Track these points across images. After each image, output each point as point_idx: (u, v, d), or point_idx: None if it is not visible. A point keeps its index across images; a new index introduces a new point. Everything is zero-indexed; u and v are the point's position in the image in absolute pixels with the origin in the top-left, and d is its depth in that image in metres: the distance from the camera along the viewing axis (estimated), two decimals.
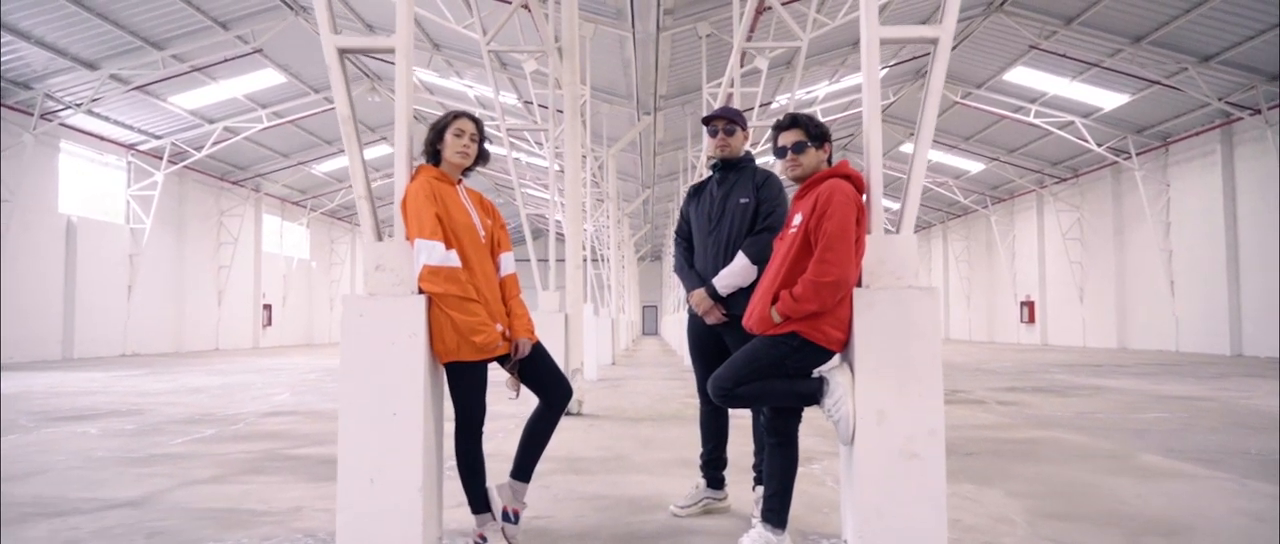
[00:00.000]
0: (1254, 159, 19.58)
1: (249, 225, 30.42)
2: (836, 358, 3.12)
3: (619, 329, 21.70)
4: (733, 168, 3.71)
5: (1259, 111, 18.46)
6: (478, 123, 3.26)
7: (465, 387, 3.12)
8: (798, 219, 3.03)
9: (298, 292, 35.07)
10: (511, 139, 22.88)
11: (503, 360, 3.19)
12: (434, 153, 3.23)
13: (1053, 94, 21.29)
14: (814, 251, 2.91)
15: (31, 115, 18.86)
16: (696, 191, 3.83)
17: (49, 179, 20.40)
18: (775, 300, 2.98)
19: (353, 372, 3.02)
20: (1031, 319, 31.10)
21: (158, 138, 23.20)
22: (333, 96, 3.24)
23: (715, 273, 3.59)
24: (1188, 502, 4.06)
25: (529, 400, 3.31)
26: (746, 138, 3.75)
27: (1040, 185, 29.53)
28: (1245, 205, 19.98)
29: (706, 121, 3.71)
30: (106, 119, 21.38)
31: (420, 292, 3.06)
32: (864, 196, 3.03)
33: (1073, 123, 22.22)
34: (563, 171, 8.70)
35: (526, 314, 3.27)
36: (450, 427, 3.22)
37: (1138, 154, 23.08)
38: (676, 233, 3.90)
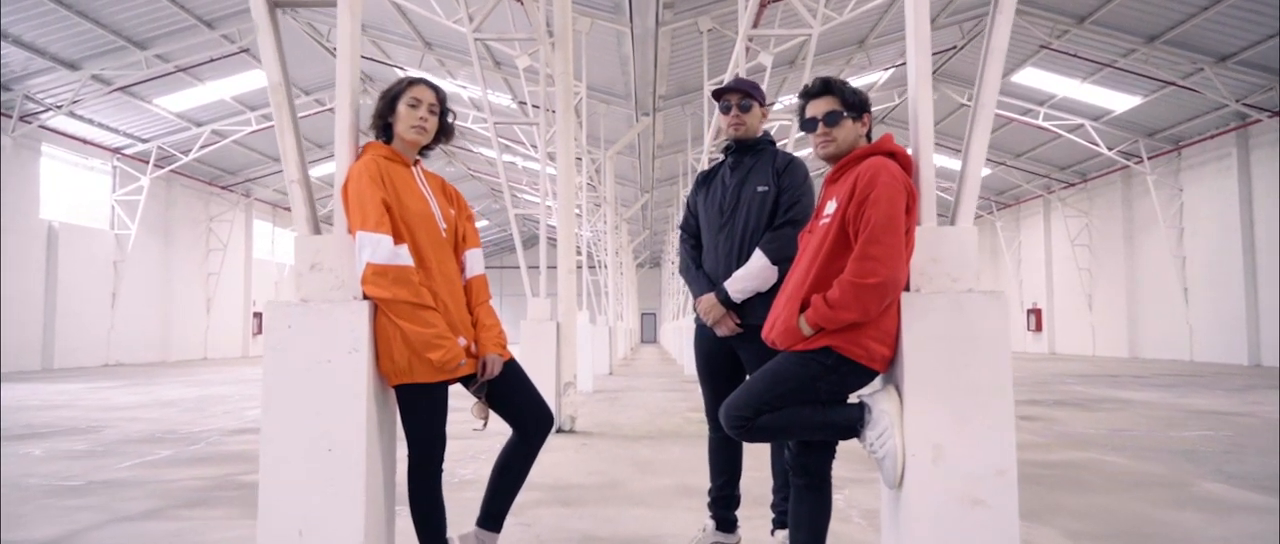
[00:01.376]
0: (1271, 162, 19.02)
1: (239, 231, 29.81)
2: (879, 379, 2.53)
3: (617, 337, 21.10)
4: (748, 151, 3.12)
5: (1277, 114, 17.91)
6: (437, 90, 2.67)
7: (420, 414, 2.52)
8: (831, 207, 2.44)
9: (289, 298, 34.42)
10: (502, 140, 22.33)
11: (468, 381, 2.60)
12: (385, 127, 2.64)
13: (1062, 96, 20.74)
14: (853, 246, 2.32)
15: (10, 117, 18.29)
16: (705, 179, 3.24)
17: (29, 183, 19.79)
18: (804, 307, 2.39)
19: (277, 397, 2.42)
20: (1038, 327, 30.51)
21: (143, 141, 22.62)
22: (262, 59, 2.64)
23: (727, 275, 3.00)
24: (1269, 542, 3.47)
25: (500, 431, 2.72)
26: (765, 115, 3.16)
27: (1047, 190, 28.98)
28: (1262, 210, 19.41)
29: (718, 95, 3.12)
30: (90, 122, 20.80)
31: (365, 297, 2.47)
32: (912, 179, 2.44)
33: (1083, 126, 21.66)
34: (556, 169, 8.12)
35: (497, 325, 2.67)
36: (403, 463, 2.62)
37: (1149, 158, 22.52)
38: (681, 228, 3.29)
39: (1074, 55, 18.38)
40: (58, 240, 20.50)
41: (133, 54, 17.52)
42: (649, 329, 57.44)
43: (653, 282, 55.90)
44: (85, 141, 21.46)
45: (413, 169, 2.64)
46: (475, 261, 2.73)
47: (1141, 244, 24.65)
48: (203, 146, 23.04)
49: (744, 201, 3.02)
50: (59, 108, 18.83)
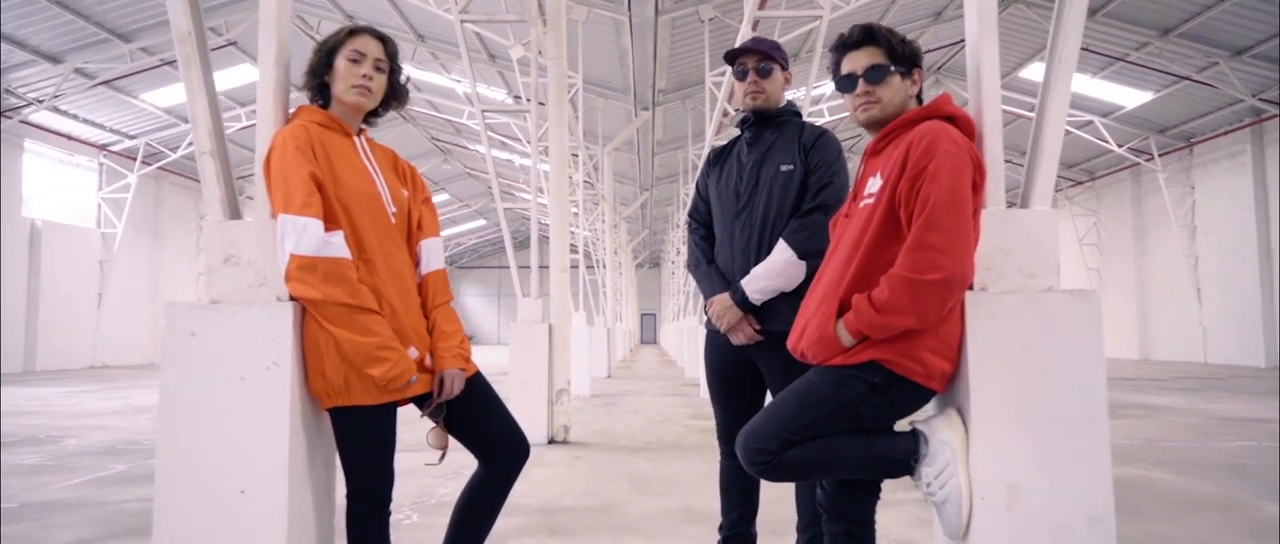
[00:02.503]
0: None
1: None
2: (934, 402, 2.02)
3: (615, 338, 20.59)
4: (769, 123, 2.61)
5: None
6: (386, 42, 2.16)
7: (360, 444, 2.02)
8: (874, 184, 1.94)
9: None
10: (498, 135, 21.82)
11: (422, 402, 2.10)
12: (320, 88, 2.14)
13: (1072, 92, 20.20)
14: (905, 233, 1.82)
15: None
16: (718, 158, 2.73)
17: (11, 181, 19.26)
18: (842, 311, 1.89)
19: (176, 425, 1.92)
20: None
21: (131, 137, 22.10)
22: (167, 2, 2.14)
23: (745, 271, 2.50)
24: None
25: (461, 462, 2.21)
26: (788, 81, 2.65)
27: (1054, 188, 28.43)
28: (1278, 208, 18.91)
29: (732, 58, 2.61)
30: (74, 117, 20.27)
31: (291, 298, 1.97)
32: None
33: (1091, 122, 21.15)
34: (547, 158, 7.62)
35: (459, 332, 2.17)
36: (343, 504, 2.11)
37: (1161, 155, 22.02)
38: (690, 215, 2.79)
39: (1085, 49, 17.83)
40: (41, 239, 19.97)
41: (116, 47, 17.00)
42: (649, 329, 56.93)
43: (652, 281, 55.39)
44: (70, 138, 20.94)
45: (355, 140, 2.13)
46: (433, 254, 2.22)
47: (1152, 243, 24.17)
48: (191, 143, 22.49)
49: (764, 183, 2.52)
50: (41, 102, 18.31)
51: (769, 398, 2.56)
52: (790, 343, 2.02)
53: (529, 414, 6.66)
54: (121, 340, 23.09)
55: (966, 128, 1.91)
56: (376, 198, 2.07)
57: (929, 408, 2.01)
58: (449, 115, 24.06)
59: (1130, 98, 19.98)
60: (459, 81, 20.29)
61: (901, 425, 1.96)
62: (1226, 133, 20.22)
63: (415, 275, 2.17)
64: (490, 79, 19.04)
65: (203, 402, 1.91)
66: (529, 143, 8.23)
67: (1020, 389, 1.86)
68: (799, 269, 2.40)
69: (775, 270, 2.40)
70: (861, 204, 1.96)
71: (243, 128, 22.22)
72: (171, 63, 18.36)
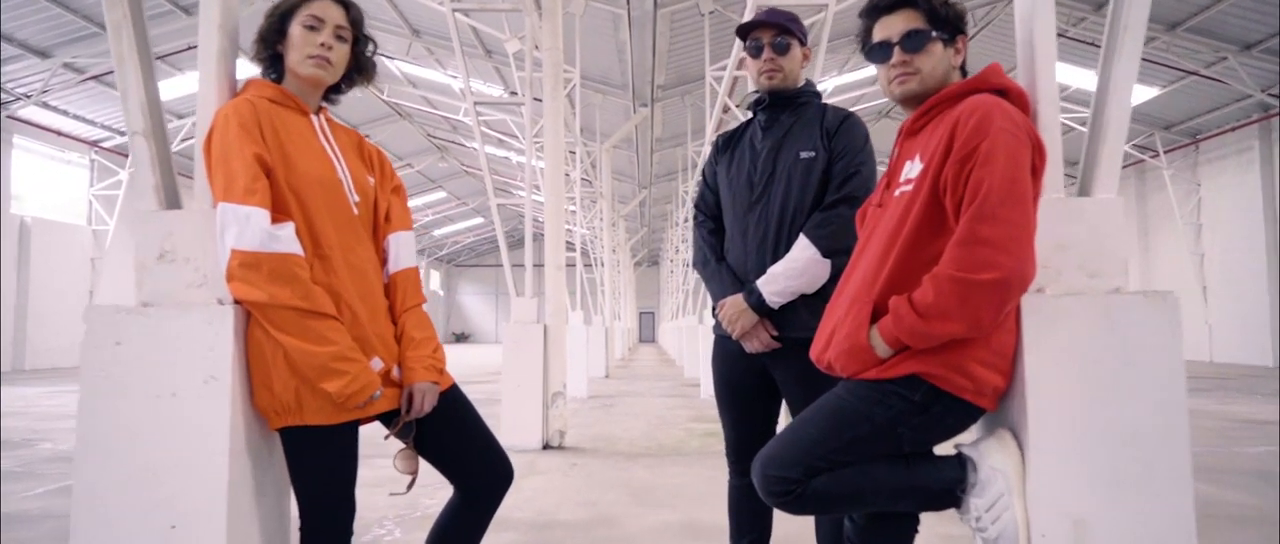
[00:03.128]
0: None
1: None
2: (980, 423, 1.75)
3: (613, 338, 20.30)
4: (786, 105, 2.33)
5: None
6: (349, 7, 1.88)
7: (314, 470, 1.74)
8: (912, 168, 1.66)
9: None
10: (496, 133, 21.53)
11: (388, 420, 1.82)
12: (273, 59, 1.86)
13: (1075, 88, 19.93)
14: (952, 224, 1.55)
15: None
16: (727, 144, 2.44)
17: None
18: (876, 316, 1.61)
19: (97, 447, 1.64)
20: None
21: (122, 134, 21.76)
22: None
23: (760, 270, 2.22)
24: None
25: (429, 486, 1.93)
26: (807, 57, 2.37)
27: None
28: None
29: (744, 32, 2.33)
30: (64, 113, 19.96)
31: (235, 301, 1.69)
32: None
33: None
34: (543, 154, 7.36)
35: (431, 339, 1.89)
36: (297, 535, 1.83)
37: (1166, 151, 21.77)
38: (696, 207, 2.51)
39: (1091, 43, 17.57)
40: (31, 236, 19.67)
41: (106, 41, 16.64)
42: (647, 328, 56.65)
43: (651, 279, 55.10)
44: (60, 134, 20.63)
45: (312, 119, 1.85)
46: (403, 250, 1.94)
47: (1156, 241, 23.96)
48: (185, 140, 22.16)
49: (782, 172, 2.24)
50: (28, 97, 18.02)
51: (785, 411, 2.29)
52: (814, 353, 1.75)
53: (523, 418, 6.39)
54: None
55: (1021, 103, 1.64)
56: (336, 185, 1.80)
57: (975, 429, 1.73)
58: (445, 112, 23.77)
59: (1137, 93, 19.64)
60: (454, 77, 20.01)
61: (943, 448, 1.68)
62: (1233, 129, 19.97)
63: (382, 275, 1.90)
64: (486, 75, 18.75)
65: (127, 422, 1.63)
66: (524, 139, 7.97)
67: (1086, 407, 1.58)
68: (822, 268, 2.13)
69: (796, 270, 2.12)
70: (897, 192, 1.68)
71: None
72: (163, 57, 18.06)
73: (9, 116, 18.54)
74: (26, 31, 16.00)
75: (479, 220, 45.32)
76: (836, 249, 2.12)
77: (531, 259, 6.88)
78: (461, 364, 22.18)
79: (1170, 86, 18.80)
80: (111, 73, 17.63)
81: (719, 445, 6.60)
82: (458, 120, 24.02)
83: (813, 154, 2.21)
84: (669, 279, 36.01)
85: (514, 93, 18.57)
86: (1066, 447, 1.58)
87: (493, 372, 16.96)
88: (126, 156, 22.02)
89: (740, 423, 2.35)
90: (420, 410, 1.79)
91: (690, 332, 16.35)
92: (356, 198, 1.84)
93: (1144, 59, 16.26)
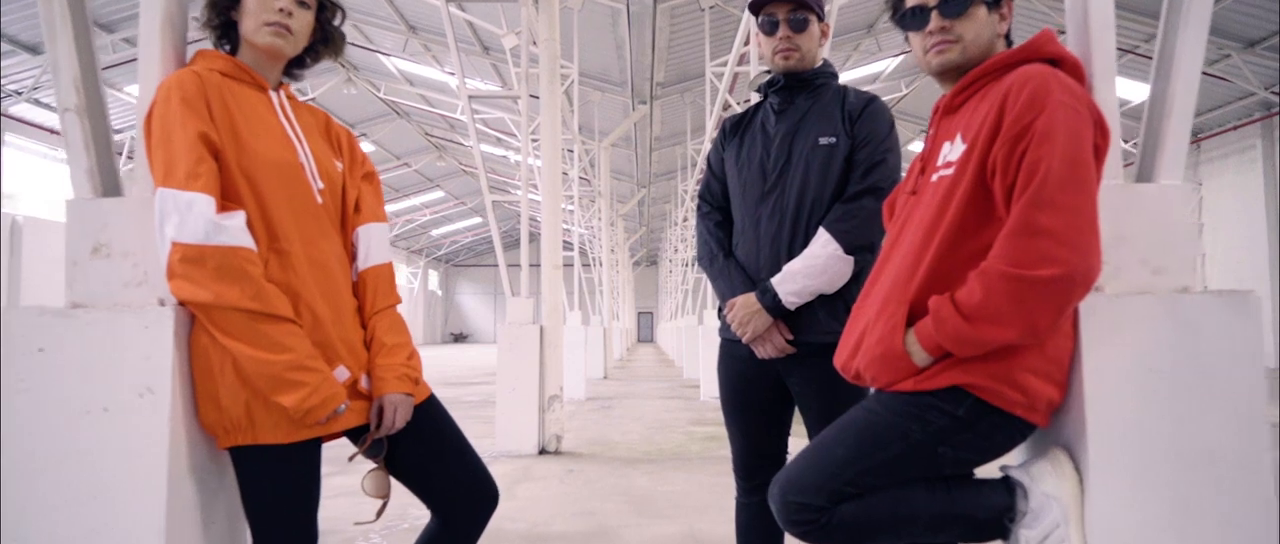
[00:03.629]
0: None
1: None
2: (1031, 440, 1.54)
3: (612, 338, 20.08)
4: (802, 87, 2.11)
5: None
6: None
7: (269, 495, 1.53)
8: (952, 150, 1.45)
9: None
10: (494, 131, 21.28)
11: (357, 436, 1.61)
12: (225, 27, 1.65)
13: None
14: (1002, 213, 1.34)
15: None
16: (736, 128, 2.22)
17: None
18: (912, 319, 1.40)
19: (19, 470, 1.43)
20: None
21: (117, 132, 21.54)
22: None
23: (774, 266, 2.01)
24: None
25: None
26: (825, 34, 2.15)
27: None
28: None
29: (757, 8, 2.11)
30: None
31: (180, 302, 1.48)
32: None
33: None
34: (538, 146, 7.14)
35: (406, 345, 1.68)
36: None
37: None
38: (700, 197, 2.29)
39: (1129, 51, 17.39)
40: (22, 236, 19.42)
41: (98, 38, 16.26)
42: (646, 328, 56.45)
43: (649, 279, 54.89)
44: (53, 131, 20.39)
45: (272, 95, 1.64)
46: (375, 244, 1.73)
47: None
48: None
49: (799, 159, 2.02)
50: (20, 94, 17.80)
51: (800, 421, 2.07)
52: (840, 360, 1.54)
53: (518, 422, 6.18)
54: None
55: (1077, 75, 1.43)
56: (296, 169, 1.58)
57: (1023, 448, 1.52)
58: (443, 110, 23.56)
59: (1137, 91, 19.49)
60: (452, 74, 19.78)
61: (987, 470, 1.48)
62: (1235, 127, 19.79)
63: (350, 272, 1.69)
64: (484, 73, 18.53)
65: (52, 441, 1.42)
66: (521, 135, 7.78)
67: (1153, 424, 1.38)
68: (845, 266, 1.92)
69: (816, 267, 1.91)
70: (934, 177, 1.48)
71: None
72: (104, 25, 17.82)
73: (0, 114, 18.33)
74: (16, 27, 15.78)
75: (477, 220, 45.12)
76: (860, 245, 1.92)
77: (527, 259, 6.67)
78: (459, 365, 21.97)
79: None
80: (106, 69, 17.42)
81: (720, 450, 6.39)
82: (455, 119, 23.80)
83: (833, 140, 2.00)
84: (667, 278, 35.79)
85: (512, 90, 18.36)
86: (1131, 469, 1.37)
87: (490, 372, 16.75)
88: (121, 155, 21.77)
89: (750, 435, 2.14)
90: (391, 426, 1.58)
91: (689, 332, 16.14)
92: (321, 184, 1.63)
93: (1140, 56, 16.10)
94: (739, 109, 10.48)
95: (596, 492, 4.90)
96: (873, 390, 1.48)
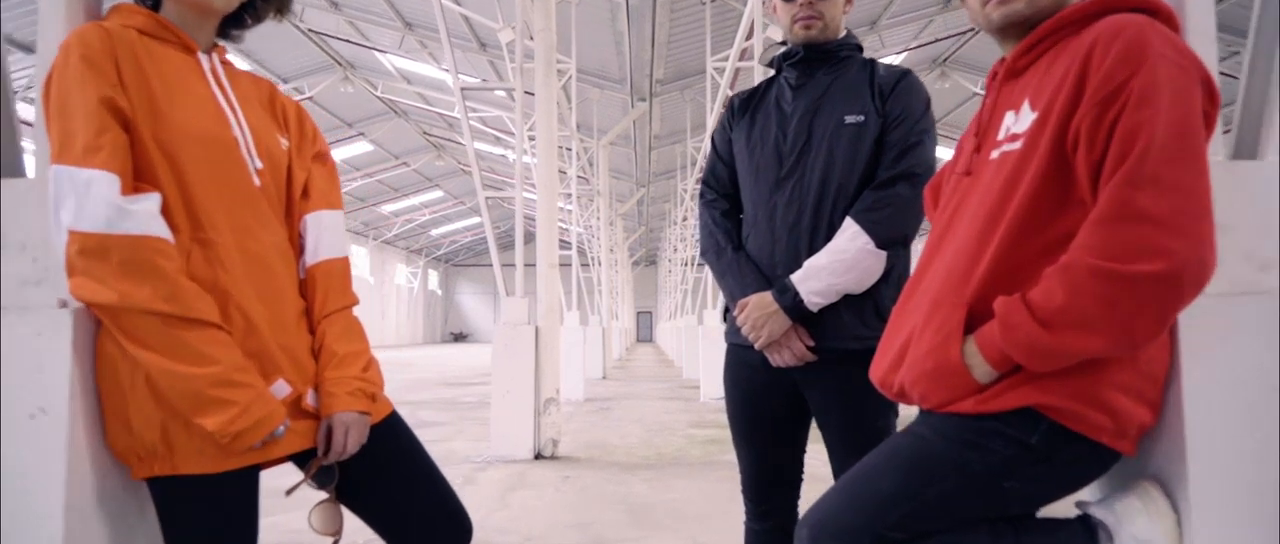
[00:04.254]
0: None
1: None
2: (1113, 470, 1.28)
3: (611, 338, 19.82)
4: (824, 60, 1.84)
5: None
6: None
7: (193, 534, 1.27)
8: (1019, 120, 1.20)
9: None
10: (485, 127, 21.02)
11: (303, 461, 1.36)
12: None
13: None
14: (1089, 196, 1.08)
15: None
16: (746, 106, 1.94)
17: None
18: (971, 324, 1.15)
19: None
20: None
21: None
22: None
23: (792, 261, 1.75)
24: None
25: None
26: (850, 4, 1.89)
27: None
28: None
29: None
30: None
31: (84, 304, 1.22)
32: None
33: None
34: (535, 140, 6.90)
35: (361, 354, 1.42)
36: None
37: None
38: (703, 182, 2.02)
39: None
40: None
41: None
42: (645, 328, 56.22)
43: (649, 279, 54.64)
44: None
45: (201, 58, 1.38)
46: (326, 235, 1.47)
47: None
48: None
49: (821, 140, 1.76)
50: (15, 94, 17.50)
51: (818, 436, 1.82)
52: (877, 374, 1.28)
53: (513, 426, 5.92)
54: None
55: (1173, 27, 1.17)
56: (227, 146, 1.33)
57: (1103, 481, 1.27)
58: (441, 109, 23.31)
59: None
60: (449, 71, 19.52)
61: (1060, 506, 1.22)
62: None
63: (295, 267, 1.43)
64: (481, 70, 18.27)
65: None
66: (516, 129, 7.54)
67: (1265, 452, 1.12)
68: (876, 262, 1.66)
69: (843, 263, 1.65)
70: (995, 154, 1.22)
71: None
72: None
73: None
74: (11, 25, 15.52)
75: (476, 220, 44.84)
76: (894, 238, 1.67)
77: (522, 256, 6.41)
78: (458, 365, 21.71)
79: None
80: None
81: (722, 455, 6.14)
82: (454, 117, 23.54)
83: (861, 118, 1.74)
84: (667, 278, 35.53)
85: (509, 87, 18.09)
86: (1238, 506, 1.12)
87: (489, 373, 16.51)
88: None
89: (761, 453, 1.88)
90: (341, 451, 1.32)
91: (689, 332, 15.89)
92: (259, 164, 1.37)
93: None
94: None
95: (593, 500, 4.65)
96: (920, 411, 1.23)
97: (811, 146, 1.76)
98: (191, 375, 1.17)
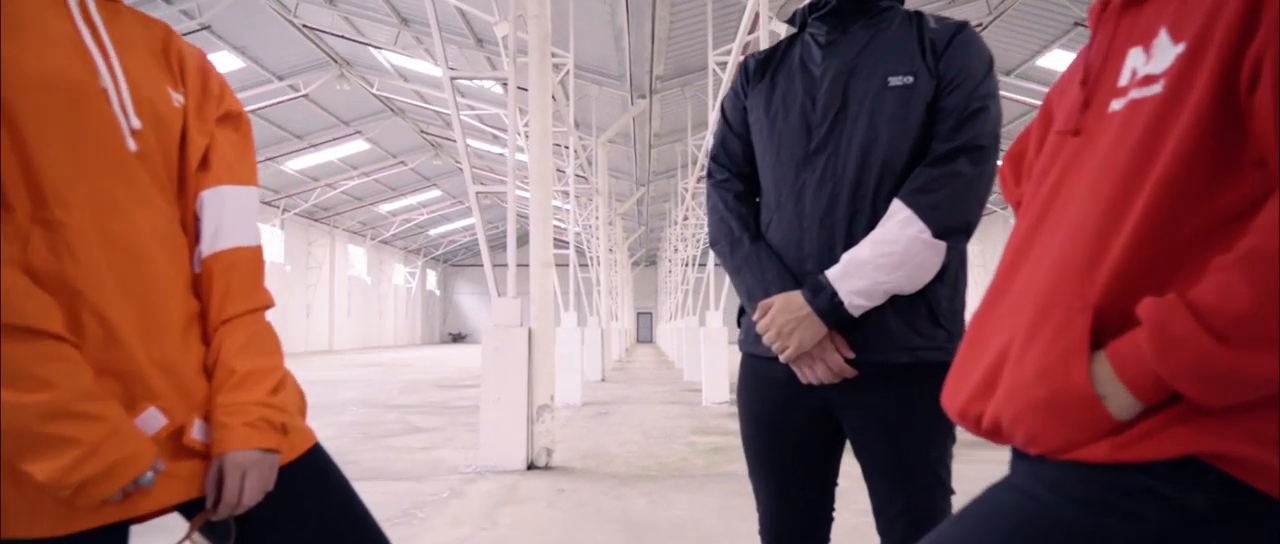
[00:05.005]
0: None
1: None
2: None
3: (610, 339, 19.47)
4: (860, 13, 1.50)
5: None
6: None
7: None
8: (1150, 59, 0.87)
9: None
10: (483, 125, 20.69)
11: (191, 511, 1.03)
12: None
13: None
14: (1275, 154, 0.75)
15: None
16: (763, 68, 1.60)
17: None
18: (1098, 338, 0.82)
19: None
20: None
21: None
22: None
23: (825, 256, 1.42)
24: None
25: None
26: None
27: None
28: None
29: None
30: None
31: None
32: None
33: None
34: (528, 135, 6.58)
35: (269, 372, 1.09)
36: None
37: None
38: (713, 160, 1.68)
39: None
40: None
41: None
42: (645, 328, 55.94)
43: (649, 280, 54.33)
44: None
45: None
46: (230, 215, 1.14)
47: None
48: None
49: (859, 106, 1.43)
50: None
51: (854, 465, 1.49)
52: (957, 404, 0.95)
53: (504, 435, 5.59)
54: None
55: None
56: (91, 97, 1.00)
57: None
58: (439, 107, 23.00)
59: None
60: (438, 60, 19.19)
61: None
62: None
63: (185, 258, 1.10)
64: (478, 66, 17.95)
65: None
66: (509, 118, 7.23)
67: None
68: (932, 255, 1.34)
69: (892, 256, 1.32)
70: (1118, 104, 0.89)
71: None
72: None
73: None
74: None
75: (471, 222, 44.55)
76: (954, 226, 1.35)
77: (514, 254, 6.08)
78: (454, 366, 21.38)
79: None
80: None
81: (727, 465, 5.81)
82: (451, 115, 23.25)
83: (910, 79, 1.41)
84: (667, 278, 35.23)
85: (503, 80, 17.77)
86: None
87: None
88: None
89: (785, 490, 1.55)
90: (235, 502, 1.00)
91: (690, 333, 15.56)
92: (137, 123, 1.04)
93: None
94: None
95: (589, 517, 4.33)
96: (1018, 456, 0.90)
97: (847, 114, 1.43)
98: (19, 406, 0.85)
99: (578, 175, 17.29)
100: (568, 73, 11.99)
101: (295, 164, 27.93)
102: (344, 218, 37.43)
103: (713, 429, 7.96)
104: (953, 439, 1.42)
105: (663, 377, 17.13)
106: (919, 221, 1.33)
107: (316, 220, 36.48)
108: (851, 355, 1.38)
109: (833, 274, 1.36)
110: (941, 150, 1.37)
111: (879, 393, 1.39)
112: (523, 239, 39.57)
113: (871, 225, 1.38)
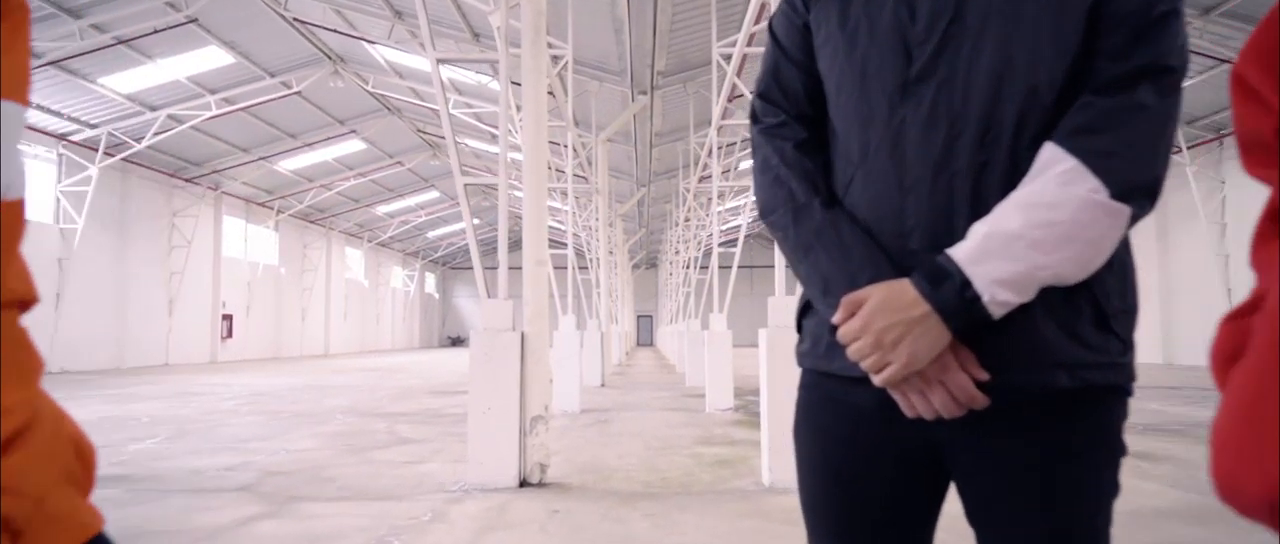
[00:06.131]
0: None
1: (207, 227, 27.76)
2: None
3: (610, 342, 19.06)
4: None
5: None
6: None
7: None
8: None
9: (264, 300, 32.33)
10: (481, 124, 20.28)
11: None
12: None
13: None
14: None
15: None
16: None
17: None
18: None
19: None
20: None
21: (92, 127, 20.57)
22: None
23: (943, 230, 0.96)
24: None
25: None
26: None
27: None
28: None
29: None
30: (30, 105, 18.75)
31: None
32: None
33: None
34: (522, 125, 6.18)
35: (17, 410, 0.66)
36: None
37: (1188, 147, 20.76)
38: (761, 97, 1.16)
39: None
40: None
41: (66, 23, 15.50)
42: (645, 331, 55.58)
43: (649, 282, 53.96)
44: (27, 127, 19.39)
45: None
46: None
47: (1177, 241, 23.14)
48: (158, 133, 20.99)
49: (981, 16, 0.97)
50: None
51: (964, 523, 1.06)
52: (1262, 486, 0.53)
53: (494, 449, 5.18)
54: (83, 343, 21.54)
55: None
56: None
57: None
58: (436, 105, 22.57)
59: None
60: (424, 45, 18.78)
61: None
62: None
63: None
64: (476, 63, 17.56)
65: None
66: (502, 107, 6.84)
67: None
68: (1111, 224, 0.91)
69: (1056, 229, 0.89)
70: None
71: (214, 116, 20.76)
72: (126, 41, 16.86)
73: None
74: None
75: (475, 220, 44.12)
76: (1137, 182, 0.92)
77: (506, 254, 5.67)
78: (449, 371, 20.98)
79: (1198, 77, 17.74)
80: (71, 58, 16.41)
81: (734, 480, 5.39)
82: (439, 102, 22.83)
83: None
84: (668, 281, 34.87)
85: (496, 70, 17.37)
86: None
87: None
88: (96, 150, 20.78)
89: None
90: None
91: (692, 336, 15.15)
92: None
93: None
94: (749, 96, 9.46)
95: (587, 540, 3.91)
96: None
97: (966, 24, 0.98)
98: None
99: (577, 175, 16.88)
100: (566, 64, 11.58)
101: (289, 164, 27.54)
102: (340, 219, 37.02)
103: (717, 439, 7.55)
104: (1116, 490, 1.00)
105: (664, 381, 16.72)
106: (1091, 177, 0.90)
107: (312, 222, 36.05)
108: (985, 377, 0.95)
109: (962, 255, 0.92)
110: (1115, 73, 0.94)
111: (1021, 432, 0.97)
112: (517, 243, 39.09)
113: (1009, 183, 0.96)
